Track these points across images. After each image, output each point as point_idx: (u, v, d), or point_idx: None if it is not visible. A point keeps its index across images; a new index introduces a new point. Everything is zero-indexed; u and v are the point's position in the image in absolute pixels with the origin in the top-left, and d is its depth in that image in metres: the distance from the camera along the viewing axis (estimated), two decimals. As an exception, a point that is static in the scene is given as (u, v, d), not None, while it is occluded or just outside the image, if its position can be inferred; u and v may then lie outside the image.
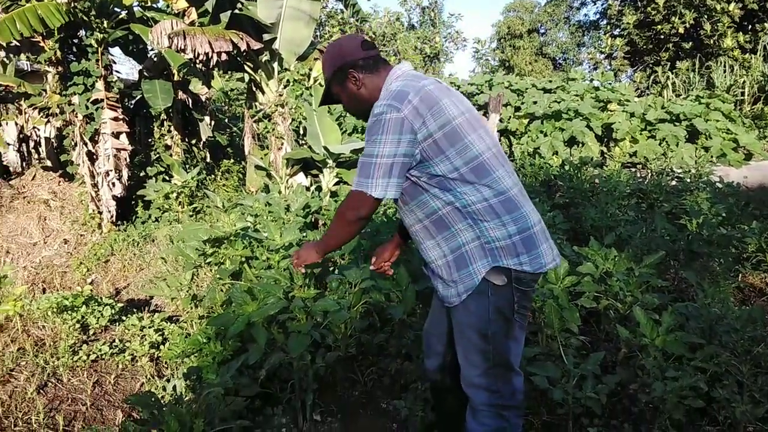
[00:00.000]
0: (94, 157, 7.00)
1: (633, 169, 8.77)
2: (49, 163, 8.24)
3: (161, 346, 3.55)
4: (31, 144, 8.46)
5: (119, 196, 6.95)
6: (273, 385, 2.64)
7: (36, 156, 8.39)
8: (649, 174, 8.08)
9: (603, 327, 3.08)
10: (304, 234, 3.00)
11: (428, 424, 2.49)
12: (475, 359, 1.83)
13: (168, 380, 3.25)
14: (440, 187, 1.77)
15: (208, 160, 8.88)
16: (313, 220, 5.09)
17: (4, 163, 8.16)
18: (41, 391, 3.03)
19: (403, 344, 2.62)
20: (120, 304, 3.95)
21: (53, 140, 7.91)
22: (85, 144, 6.79)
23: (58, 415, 2.82)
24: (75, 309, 3.70)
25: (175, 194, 6.74)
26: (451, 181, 1.75)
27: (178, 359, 2.92)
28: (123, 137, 6.91)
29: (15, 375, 3.10)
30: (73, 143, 6.97)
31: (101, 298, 3.94)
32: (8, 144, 8.14)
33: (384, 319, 2.85)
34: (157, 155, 7.70)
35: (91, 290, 3.88)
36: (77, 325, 3.60)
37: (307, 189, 6.46)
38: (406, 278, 2.65)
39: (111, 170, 6.81)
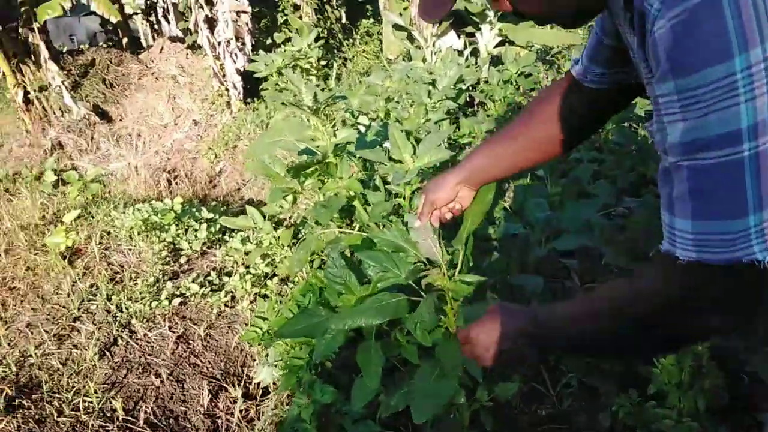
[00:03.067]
0: (214, 23, 6.07)
1: None
2: (179, 33, 7.59)
3: (269, 281, 2.65)
4: (160, 12, 7.84)
5: (243, 69, 6.04)
6: (398, 422, 1.56)
7: (167, 25, 7.80)
8: None
9: None
10: (454, 152, 1.69)
11: None
12: None
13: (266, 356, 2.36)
14: None
15: (343, 20, 7.61)
16: (467, 99, 3.73)
17: (134, 35, 7.65)
18: (107, 352, 2.28)
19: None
20: (221, 220, 3.08)
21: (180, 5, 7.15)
22: (201, 7, 5.83)
23: (115, 399, 2.04)
24: (164, 229, 2.90)
25: (289, 68, 5.62)
26: None
27: (263, 342, 1.94)
28: (242, -4, 5.85)
29: (78, 327, 2.38)
30: (187, 6, 6.07)
31: (199, 211, 3.08)
32: (135, 13, 7.57)
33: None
34: (284, 17, 6.59)
35: (183, 202, 3.02)
36: (164, 253, 2.80)
37: (460, 53, 4.97)
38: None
39: (231, 38, 5.86)
